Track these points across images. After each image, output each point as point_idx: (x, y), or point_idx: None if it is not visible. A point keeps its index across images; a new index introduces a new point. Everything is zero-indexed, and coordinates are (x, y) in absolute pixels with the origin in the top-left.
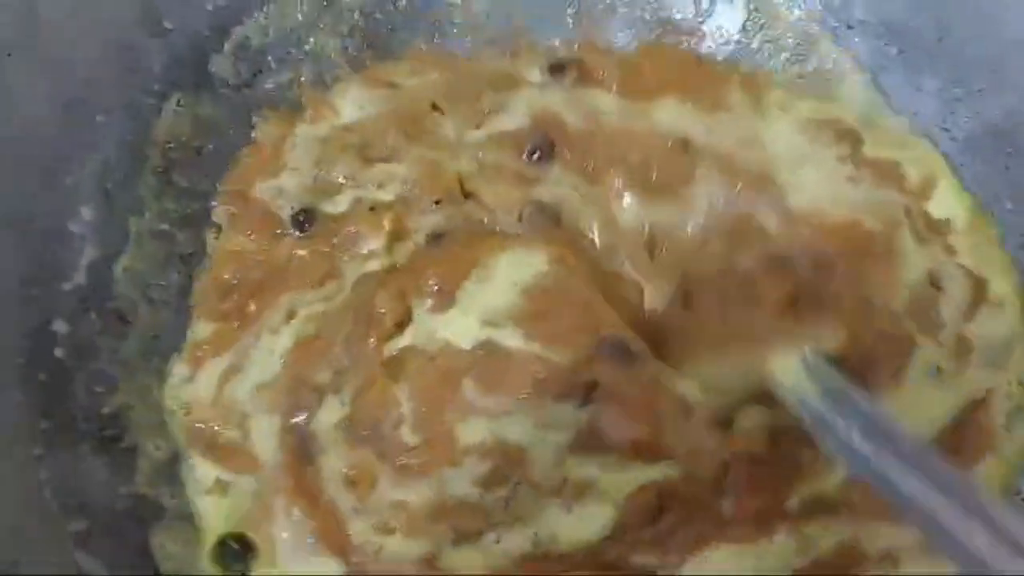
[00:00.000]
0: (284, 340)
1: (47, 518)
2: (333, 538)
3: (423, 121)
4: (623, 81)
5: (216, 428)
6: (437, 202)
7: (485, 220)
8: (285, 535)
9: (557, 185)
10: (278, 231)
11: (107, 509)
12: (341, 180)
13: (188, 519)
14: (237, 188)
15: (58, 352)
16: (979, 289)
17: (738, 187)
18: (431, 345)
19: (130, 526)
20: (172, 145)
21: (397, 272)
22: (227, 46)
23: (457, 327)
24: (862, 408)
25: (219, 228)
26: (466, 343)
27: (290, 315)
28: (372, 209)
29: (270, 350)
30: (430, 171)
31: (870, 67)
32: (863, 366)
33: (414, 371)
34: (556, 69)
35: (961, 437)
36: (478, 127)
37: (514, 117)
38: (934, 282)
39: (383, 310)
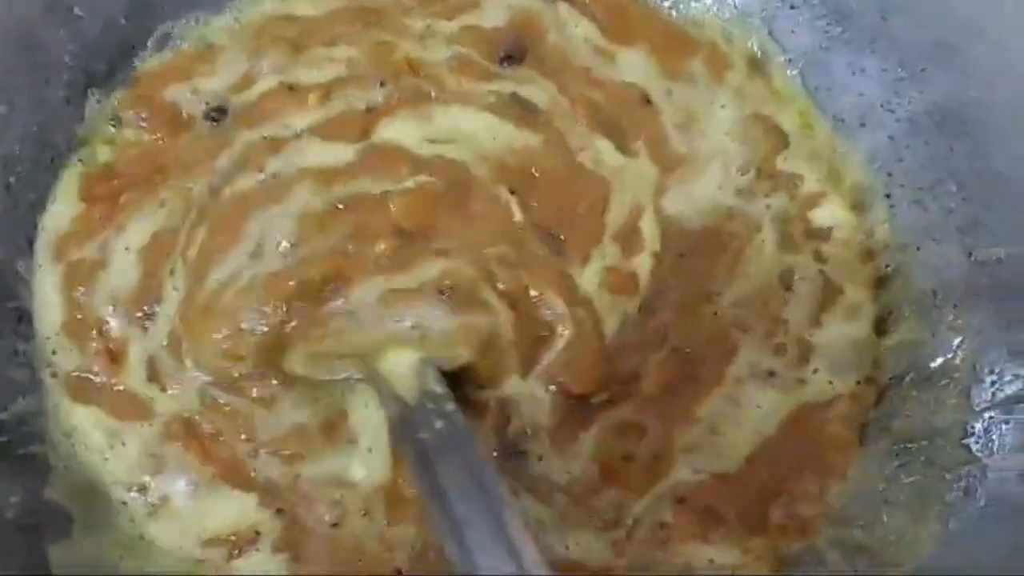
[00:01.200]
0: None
1: None
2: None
3: (387, 12)
4: (606, 16)
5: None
6: (382, 83)
7: (434, 94)
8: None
9: (532, 85)
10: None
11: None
12: (264, 66)
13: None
14: (143, 92)
15: None
16: (831, 295)
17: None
18: None
19: (25, 537)
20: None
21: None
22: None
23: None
24: (445, 423)
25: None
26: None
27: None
28: (291, 88)
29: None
30: (377, 52)
31: (815, 47)
32: (693, 361)
33: None
34: None
35: (800, 440)
36: (450, 19)
37: (491, 14)
38: (786, 284)
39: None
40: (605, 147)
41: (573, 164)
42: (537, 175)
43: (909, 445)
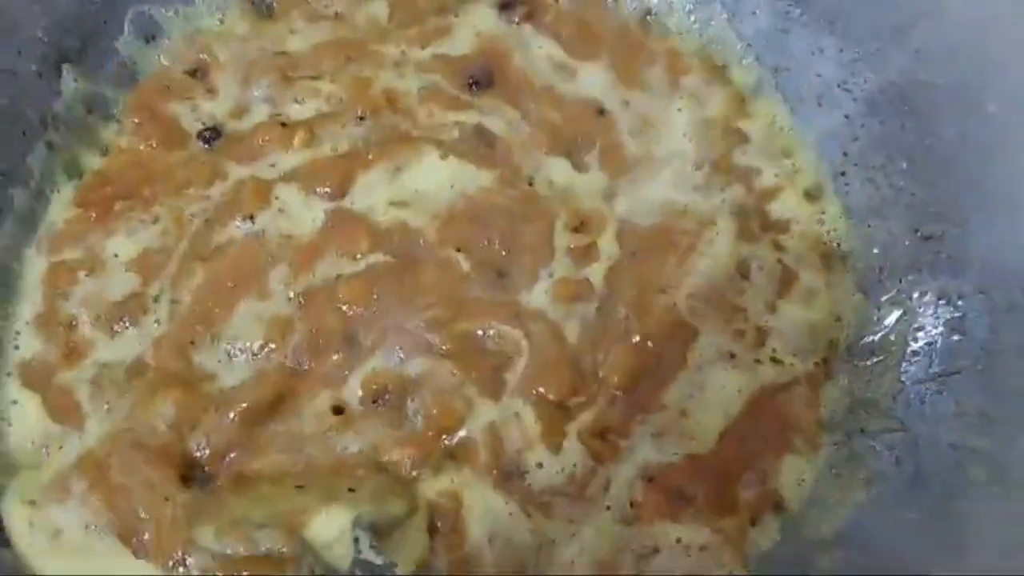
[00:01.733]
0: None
1: None
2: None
3: (367, 41)
4: (571, 33)
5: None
6: (361, 117)
7: (412, 132)
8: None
9: (494, 115)
10: (182, 143)
11: None
12: (256, 95)
13: None
14: (146, 101)
15: None
16: (787, 281)
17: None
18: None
19: None
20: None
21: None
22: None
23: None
24: None
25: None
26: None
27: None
28: (284, 125)
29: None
30: (357, 86)
31: (774, 29)
32: (655, 350)
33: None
34: (505, 6)
35: (762, 421)
36: (423, 48)
37: (459, 43)
38: (743, 272)
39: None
40: (559, 166)
41: (524, 195)
42: (487, 217)
43: (848, 416)
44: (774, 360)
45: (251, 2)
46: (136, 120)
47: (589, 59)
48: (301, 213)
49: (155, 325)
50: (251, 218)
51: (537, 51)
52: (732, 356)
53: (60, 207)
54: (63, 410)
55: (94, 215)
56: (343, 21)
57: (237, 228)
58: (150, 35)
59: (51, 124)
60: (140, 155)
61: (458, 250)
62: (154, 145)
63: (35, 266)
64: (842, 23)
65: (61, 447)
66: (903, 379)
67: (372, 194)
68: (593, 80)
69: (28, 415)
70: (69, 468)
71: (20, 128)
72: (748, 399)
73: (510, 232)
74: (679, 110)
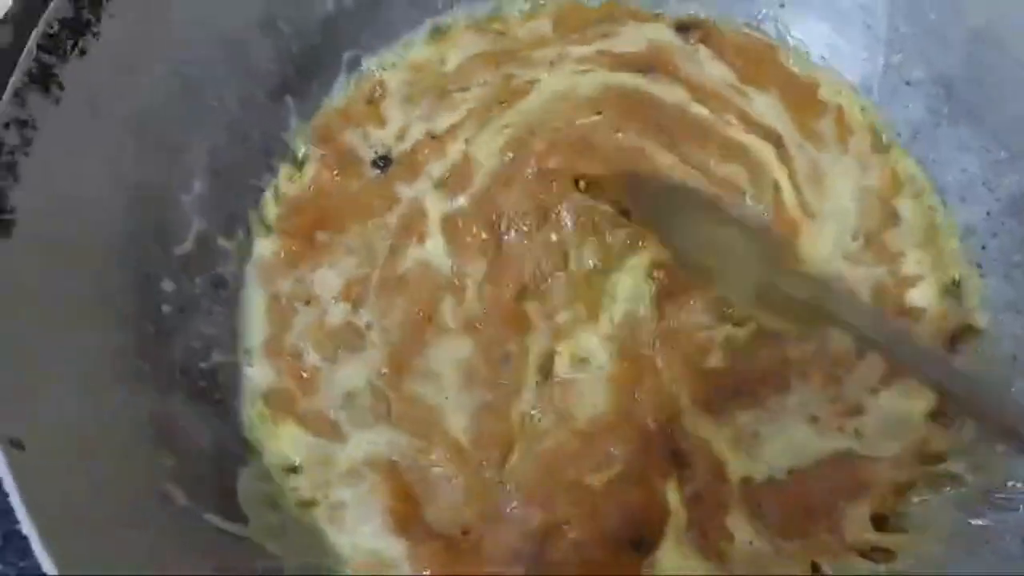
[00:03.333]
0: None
1: (140, 450)
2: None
3: (522, 49)
4: (740, 63)
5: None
6: (502, 102)
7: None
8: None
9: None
10: (359, 171)
11: (195, 449)
12: (416, 115)
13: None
14: (329, 131)
15: (164, 307)
16: (899, 372)
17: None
18: None
19: (214, 466)
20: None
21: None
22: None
23: None
24: None
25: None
26: None
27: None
28: (433, 137)
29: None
30: (504, 81)
31: (926, 122)
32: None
33: None
34: (682, 27)
35: (840, 476)
36: (586, 44)
37: (627, 43)
38: (859, 351)
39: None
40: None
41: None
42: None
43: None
44: (858, 435)
45: (430, 32)
46: (322, 151)
47: (763, 91)
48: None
49: (374, 350)
50: (421, 239)
51: (710, 70)
52: (815, 419)
53: (265, 235)
54: (320, 428)
55: (297, 247)
56: (504, 36)
57: (411, 259)
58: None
59: (275, 151)
60: (326, 184)
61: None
62: (337, 174)
63: (256, 296)
64: (990, 124)
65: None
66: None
67: None
68: (769, 108)
69: (284, 436)
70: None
71: (250, 148)
72: (819, 456)
73: None
74: (845, 172)
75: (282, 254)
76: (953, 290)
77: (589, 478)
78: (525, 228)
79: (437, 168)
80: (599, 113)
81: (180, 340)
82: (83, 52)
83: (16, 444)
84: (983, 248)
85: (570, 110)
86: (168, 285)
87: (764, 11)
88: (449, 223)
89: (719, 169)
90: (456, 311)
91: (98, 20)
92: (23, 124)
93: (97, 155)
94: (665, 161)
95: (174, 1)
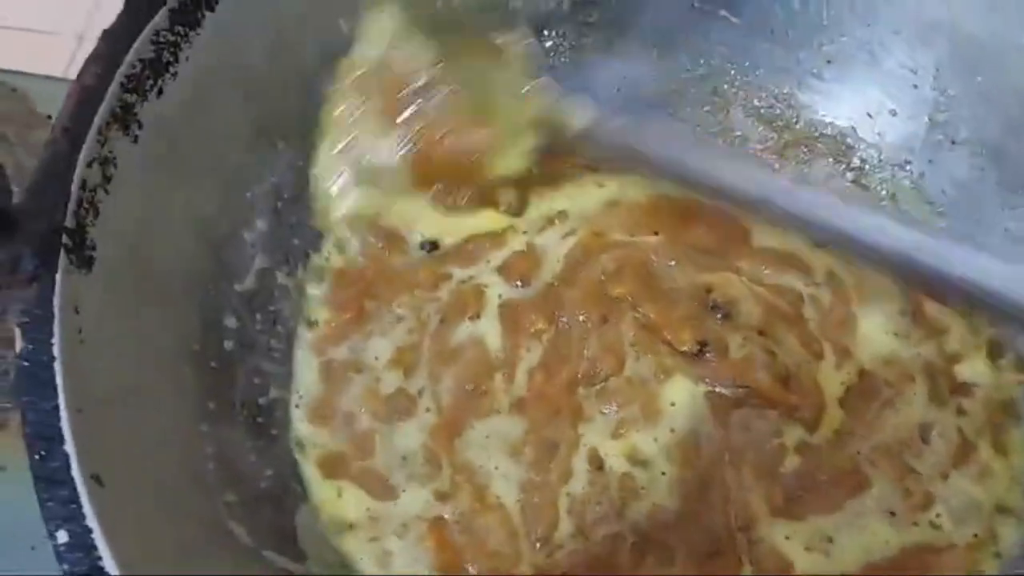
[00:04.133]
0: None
1: (205, 487)
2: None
3: None
4: None
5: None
6: None
7: None
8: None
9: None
10: (402, 249)
11: (255, 487)
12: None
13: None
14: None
15: (227, 344)
16: (964, 453)
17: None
18: None
19: (273, 505)
20: None
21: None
22: None
23: None
24: None
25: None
26: None
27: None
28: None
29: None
30: None
31: (966, 181)
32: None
33: None
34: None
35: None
36: None
37: None
38: (924, 436)
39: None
40: None
41: None
42: None
43: None
44: (933, 526)
45: None
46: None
47: None
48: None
49: (427, 414)
50: (475, 316)
51: None
52: (892, 514)
53: (316, 305)
54: (377, 488)
55: (349, 316)
56: None
57: (467, 328)
58: None
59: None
60: (371, 256)
61: None
62: (381, 247)
63: (309, 362)
64: None
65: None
66: None
67: None
68: None
69: (341, 498)
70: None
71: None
72: (897, 552)
73: None
74: None
75: (333, 323)
76: (997, 360)
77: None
78: (587, 326)
79: (496, 256)
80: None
81: (241, 376)
82: (161, 92)
83: (97, 480)
84: None
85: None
86: (231, 322)
87: (808, 67)
88: (507, 307)
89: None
90: (507, 390)
91: (176, 61)
92: (104, 162)
93: (171, 193)
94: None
95: (249, 43)
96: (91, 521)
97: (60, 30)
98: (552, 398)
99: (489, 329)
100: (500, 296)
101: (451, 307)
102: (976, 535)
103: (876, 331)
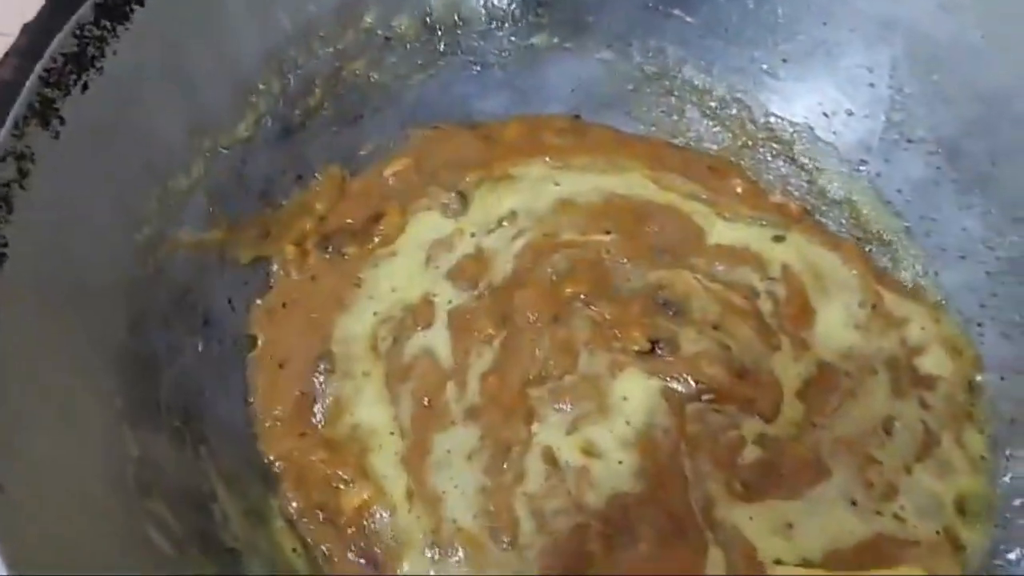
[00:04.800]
0: None
1: (125, 492)
2: None
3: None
4: None
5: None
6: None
7: None
8: None
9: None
10: None
11: (179, 494)
12: None
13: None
14: None
15: (153, 346)
16: (927, 446)
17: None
18: None
19: (192, 511)
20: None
21: None
22: None
23: None
24: None
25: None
26: None
27: None
28: None
29: None
30: None
31: (926, 181)
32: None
33: None
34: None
35: (871, 555)
36: None
37: None
38: (887, 428)
39: None
40: None
41: None
42: None
43: None
44: (896, 517)
45: None
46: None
47: None
48: None
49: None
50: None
51: None
52: (854, 503)
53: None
54: None
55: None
56: None
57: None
58: None
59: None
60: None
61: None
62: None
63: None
64: (992, 185)
65: None
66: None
67: None
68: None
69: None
70: None
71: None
72: (860, 541)
73: None
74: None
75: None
76: (959, 355)
77: (613, 553)
78: (538, 326)
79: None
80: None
81: (167, 382)
82: (86, 87)
83: None
84: (982, 307)
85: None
86: (158, 325)
87: (763, 65)
88: (456, 313)
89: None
90: (459, 399)
91: (102, 56)
92: (20, 157)
93: (96, 192)
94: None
95: (185, 42)
96: None
97: None
98: (504, 401)
99: (439, 339)
100: (450, 302)
101: (401, 324)
102: (938, 532)
103: (835, 324)
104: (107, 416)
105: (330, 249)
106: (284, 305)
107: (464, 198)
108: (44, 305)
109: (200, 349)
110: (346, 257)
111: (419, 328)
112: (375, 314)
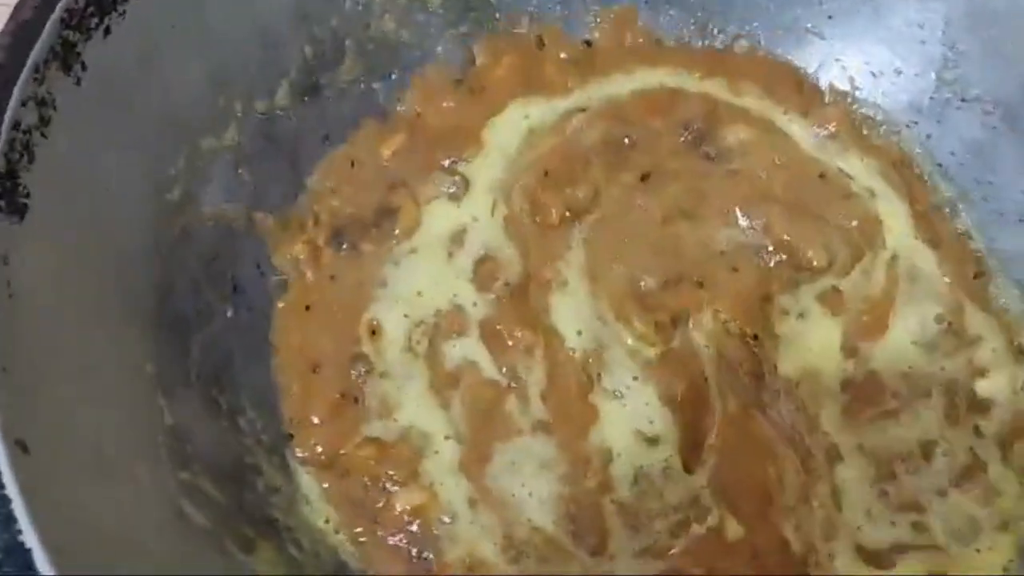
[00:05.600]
0: None
1: (156, 462)
2: None
3: None
4: None
5: None
6: None
7: None
8: None
9: None
10: None
11: (212, 465)
12: None
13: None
14: None
15: (183, 310)
16: (971, 473)
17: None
18: None
19: (230, 482)
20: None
21: None
22: None
23: None
24: None
25: None
26: None
27: None
28: None
29: None
30: None
31: (983, 142)
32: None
33: None
34: None
35: None
36: None
37: None
38: (926, 454)
39: None
40: None
41: None
42: None
43: None
44: (915, 526)
45: None
46: None
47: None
48: None
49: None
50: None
51: None
52: (868, 512)
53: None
54: None
55: None
56: None
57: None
58: None
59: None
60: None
61: None
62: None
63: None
64: None
65: None
66: None
67: None
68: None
69: None
70: None
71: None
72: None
73: None
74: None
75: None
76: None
77: None
78: None
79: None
80: None
81: (197, 348)
82: (108, 31)
83: (21, 446)
84: None
85: None
86: (187, 286)
87: (807, 24)
88: (487, 324)
89: None
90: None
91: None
92: (42, 103)
93: (118, 144)
94: None
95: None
96: (11, 490)
97: None
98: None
99: (478, 352)
100: (475, 305)
101: (436, 328)
102: (979, 550)
103: (903, 339)
104: (137, 382)
105: (344, 246)
106: (308, 308)
107: (466, 180)
108: (66, 260)
109: (229, 315)
110: (363, 254)
111: (454, 334)
112: (406, 316)
